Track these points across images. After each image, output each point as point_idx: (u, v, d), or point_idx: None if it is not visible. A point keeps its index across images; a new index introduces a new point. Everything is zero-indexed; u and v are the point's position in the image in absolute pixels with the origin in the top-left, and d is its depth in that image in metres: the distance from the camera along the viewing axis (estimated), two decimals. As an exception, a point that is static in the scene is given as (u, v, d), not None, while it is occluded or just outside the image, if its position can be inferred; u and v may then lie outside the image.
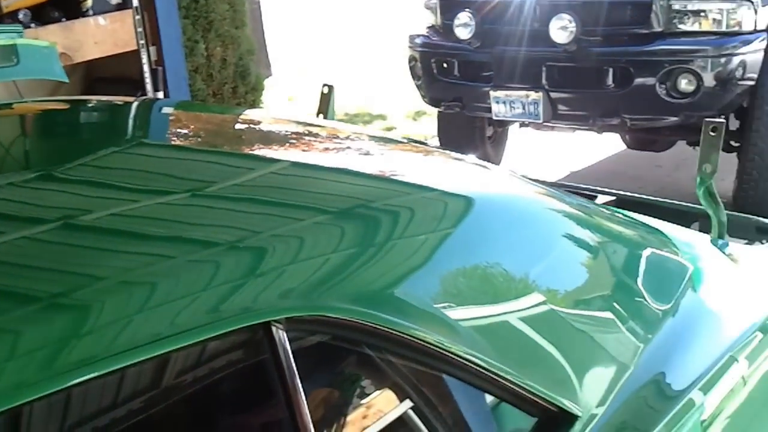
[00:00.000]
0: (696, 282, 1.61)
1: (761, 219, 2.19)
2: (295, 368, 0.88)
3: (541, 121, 4.46)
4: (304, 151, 1.37)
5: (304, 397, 0.88)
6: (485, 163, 1.74)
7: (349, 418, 1.02)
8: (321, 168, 1.27)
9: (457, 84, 4.72)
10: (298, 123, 1.54)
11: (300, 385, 0.89)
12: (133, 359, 0.78)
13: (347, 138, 1.50)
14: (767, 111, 4.42)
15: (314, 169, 1.26)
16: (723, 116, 4.44)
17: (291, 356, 0.88)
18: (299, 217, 1.05)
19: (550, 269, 1.35)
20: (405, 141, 1.98)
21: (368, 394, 1.06)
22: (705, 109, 4.35)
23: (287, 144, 1.41)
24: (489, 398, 1.18)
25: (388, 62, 7.75)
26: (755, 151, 4.40)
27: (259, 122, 1.57)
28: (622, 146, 5.33)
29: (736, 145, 4.57)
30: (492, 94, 4.49)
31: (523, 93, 4.44)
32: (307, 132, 1.49)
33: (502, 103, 4.48)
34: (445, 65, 4.79)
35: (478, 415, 1.17)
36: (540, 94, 4.39)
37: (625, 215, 1.75)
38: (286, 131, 1.50)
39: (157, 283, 0.85)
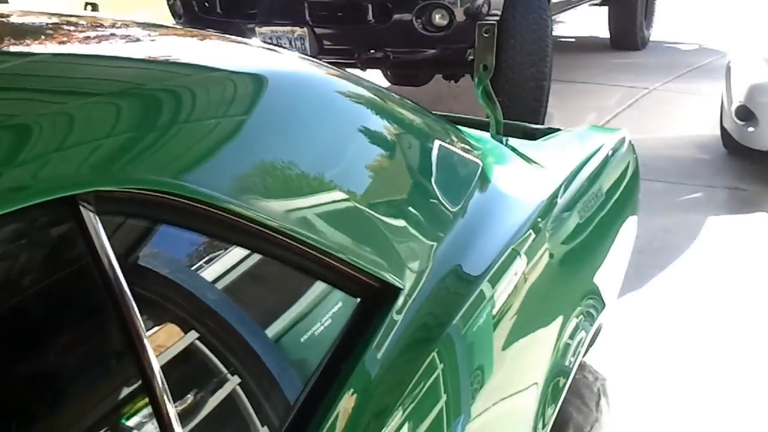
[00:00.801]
0: (486, 176, 1.71)
1: (527, 124, 2.38)
2: (110, 251, 0.83)
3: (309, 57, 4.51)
4: (83, 38, 1.26)
5: (123, 281, 0.84)
6: (273, 46, 1.73)
7: (169, 298, 0.98)
8: (100, 55, 1.18)
9: (221, 21, 4.65)
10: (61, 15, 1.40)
11: (118, 267, 0.83)
12: None
13: (124, 26, 1.40)
14: (512, 44, 4.81)
15: (95, 56, 1.16)
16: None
17: (104, 238, 0.82)
18: (90, 93, 0.99)
19: (349, 155, 1.37)
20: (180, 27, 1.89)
21: (189, 275, 1.03)
22: (459, 42, 4.66)
23: (58, 34, 1.28)
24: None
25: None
26: (504, 80, 4.78)
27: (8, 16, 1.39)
28: (385, 83, 5.54)
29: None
30: (258, 30, 4.48)
31: (288, 29, 4.47)
32: (78, 21, 1.37)
33: (268, 39, 4.48)
34: (206, 3, 4.70)
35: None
36: (305, 29, 4.44)
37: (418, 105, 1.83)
38: (50, 23, 1.35)
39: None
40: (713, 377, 2.85)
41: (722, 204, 4.34)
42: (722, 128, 4.77)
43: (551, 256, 1.65)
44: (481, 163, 1.71)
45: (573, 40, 8.80)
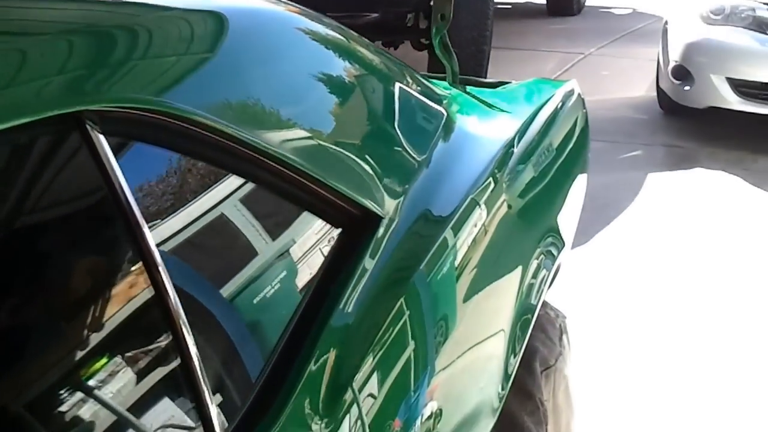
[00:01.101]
0: (451, 122, 1.74)
1: (478, 78, 2.43)
2: (119, 171, 0.85)
3: None
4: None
5: (132, 196, 0.87)
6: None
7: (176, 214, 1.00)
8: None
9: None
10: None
11: (127, 185, 0.86)
12: None
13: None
14: (454, 7, 4.84)
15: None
16: (416, 13, 4.80)
17: (112, 158, 0.85)
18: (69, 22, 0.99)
19: (319, 90, 1.39)
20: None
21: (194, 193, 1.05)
22: (401, 6, 4.69)
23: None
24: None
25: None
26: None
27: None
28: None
29: (426, 42, 4.94)
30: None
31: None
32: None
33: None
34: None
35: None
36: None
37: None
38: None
39: None
40: (653, 316, 2.98)
41: (660, 161, 4.47)
42: (659, 89, 4.90)
43: (509, 206, 1.70)
44: (445, 112, 1.75)
45: (509, 6, 8.89)
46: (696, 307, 3.06)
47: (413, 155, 1.54)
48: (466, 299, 1.50)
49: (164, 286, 0.90)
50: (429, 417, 1.32)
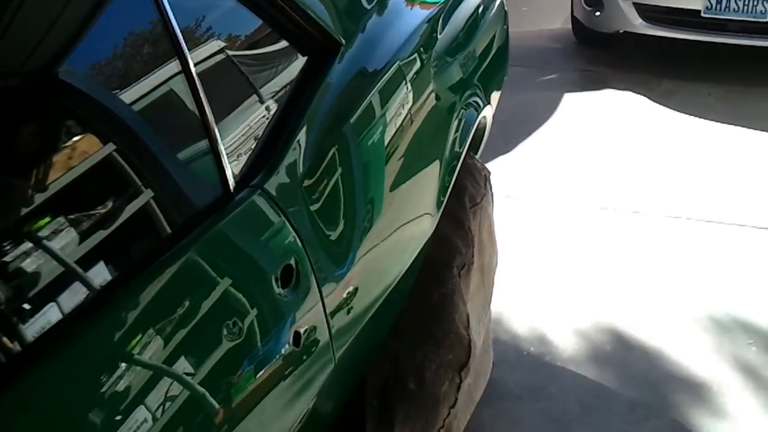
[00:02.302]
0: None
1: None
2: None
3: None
4: None
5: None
6: None
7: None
8: None
9: None
10: None
11: None
12: None
13: None
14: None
15: None
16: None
17: None
18: None
19: None
20: None
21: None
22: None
23: None
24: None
25: None
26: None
27: None
28: None
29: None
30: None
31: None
32: None
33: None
34: None
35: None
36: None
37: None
38: None
39: None
40: (564, 199, 3.35)
41: (574, 83, 4.84)
42: (573, 19, 5.25)
43: (434, 65, 1.95)
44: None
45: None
46: (598, 194, 3.45)
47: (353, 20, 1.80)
48: (398, 148, 1.75)
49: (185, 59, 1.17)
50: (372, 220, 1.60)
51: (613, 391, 2.37)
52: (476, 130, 2.17)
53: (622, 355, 2.51)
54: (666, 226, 3.22)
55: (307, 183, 1.40)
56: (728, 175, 3.60)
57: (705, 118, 4.20)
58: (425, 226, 1.84)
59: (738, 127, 4.08)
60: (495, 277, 2.27)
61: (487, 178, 2.21)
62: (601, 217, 3.30)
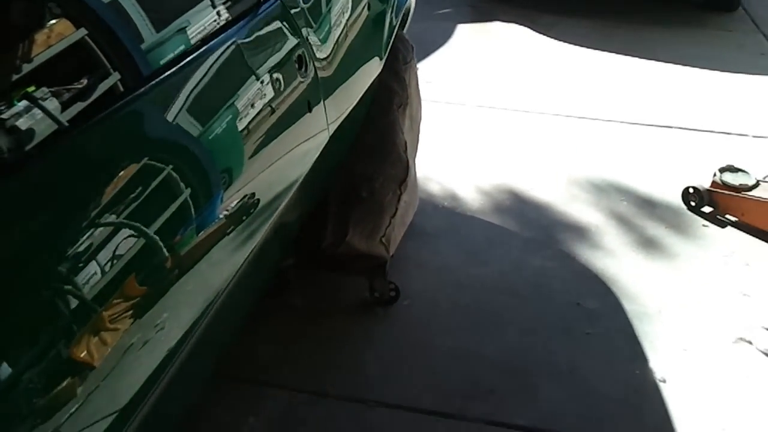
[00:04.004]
0: None
1: None
2: None
3: None
4: None
5: None
6: None
7: None
8: None
9: None
10: None
11: None
12: None
13: None
14: None
15: None
16: None
17: None
18: None
19: None
20: None
21: None
22: None
23: None
24: None
25: None
26: None
27: None
28: None
29: None
30: None
31: None
32: None
33: None
34: None
35: None
36: None
37: None
38: None
39: None
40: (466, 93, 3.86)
41: (466, 15, 5.36)
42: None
43: None
44: None
45: None
46: (491, 96, 3.98)
47: None
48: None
49: None
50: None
51: (512, 231, 2.88)
52: (405, 10, 2.64)
53: (519, 207, 3.03)
54: (548, 121, 3.77)
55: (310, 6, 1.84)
56: (597, 85, 4.20)
57: (580, 45, 4.81)
58: (374, 67, 2.28)
59: (606, 52, 4.70)
60: (420, 129, 2.73)
61: (413, 48, 2.67)
62: (493, 114, 3.83)
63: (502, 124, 3.74)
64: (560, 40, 4.91)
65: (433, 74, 4.27)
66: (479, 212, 3.00)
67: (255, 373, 2.19)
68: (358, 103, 2.14)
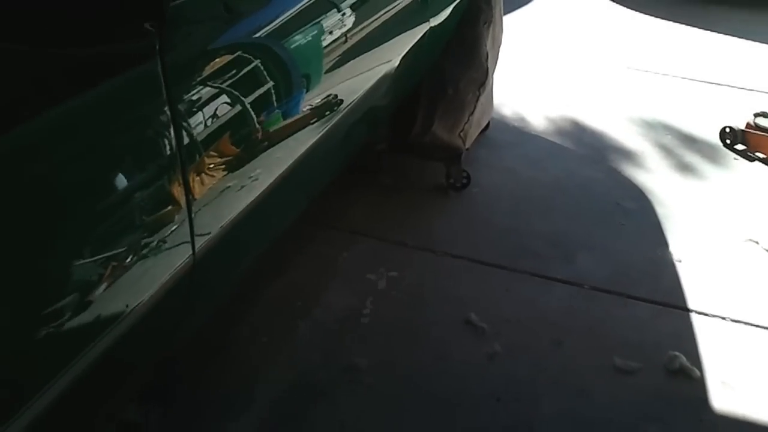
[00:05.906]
0: None
1: None
2: None
3: None
4: None
5: None
6: None
7: None
8: None
9: None
10: None
11: None
12: None
13: None
14: None
15: None
16: None
17: None
18: None
19: None
20: None
21: None
22: None
23: None
24: None
25: None
26: None
27: None
28: None
29: None
30: None
31: None
32: None
33: None
34: None
35: None
36: None
37: None
38: None
39: None
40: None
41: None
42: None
43: None
44: None
45: None
46: (571, 51, 4.46)
47: None
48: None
49: None
50: None
51: (570, 149, 3.39)
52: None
53: (578, 132, 3.54)
54: (614, 71, 4.26)
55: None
56: (658, 46, 4.66)
57: (649, 14, 5.27)
58: None
59: (670, 22, 5.15)
60: (499, 51, 3.26)
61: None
62: (564, 61, 4.32)
63: (570, 69, 4.24)
64: (633, 9, 5.36)
65: (513, 25, 4.77)
66: (543, 133, 3.51)
67: (349, 225, 2.76)
68: (452, 11, 2.67)
